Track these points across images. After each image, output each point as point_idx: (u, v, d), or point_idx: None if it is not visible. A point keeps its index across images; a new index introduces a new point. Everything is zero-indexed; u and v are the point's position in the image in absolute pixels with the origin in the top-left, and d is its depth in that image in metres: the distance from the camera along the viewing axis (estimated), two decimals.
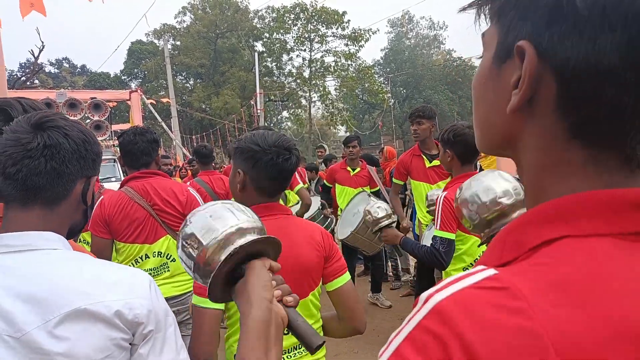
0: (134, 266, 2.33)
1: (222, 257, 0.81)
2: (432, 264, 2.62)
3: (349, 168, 4.97)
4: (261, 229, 0.89)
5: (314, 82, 30.68)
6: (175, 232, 2.40)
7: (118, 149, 2.63)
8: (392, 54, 38.37)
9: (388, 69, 37.81)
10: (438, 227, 2.31)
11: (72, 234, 0.98)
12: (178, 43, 33.51)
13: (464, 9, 0.50)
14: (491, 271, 0.39)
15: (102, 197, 2.37)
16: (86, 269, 0.89)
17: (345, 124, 31.06)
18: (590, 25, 0.37)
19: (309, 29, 30.24)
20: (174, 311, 2.38)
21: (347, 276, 1.51)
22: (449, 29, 43.00)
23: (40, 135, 0.87)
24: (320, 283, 1.50)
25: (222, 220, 0.84)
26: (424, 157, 3.83)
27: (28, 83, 28.00)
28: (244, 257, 0.84)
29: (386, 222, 2.48)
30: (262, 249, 0.87)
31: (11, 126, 0.88)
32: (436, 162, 3.66)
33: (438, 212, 2.23)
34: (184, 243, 0.85)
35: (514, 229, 0.45)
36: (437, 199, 2.29)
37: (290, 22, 30.60)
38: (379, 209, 2.50)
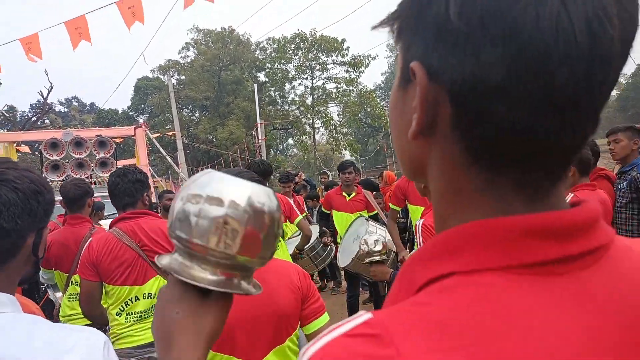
0: (123, 309, 2.32)
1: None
2: None
3: (344, 193, 4.98)
4: None
5: (316, 108, 31.02)
6: (164, 272, 2.40)
7: None
8: (392, 77, 38.76)
9: (389, 92, 38.14)
10: None
11: (21, 284, 0.96)
12: (183, 77, 34.21)
13: (375, 27, 0.47)
14: (367, 315, 0.37)
15: (91, 239, 2.38)
16: (37, 335, 0.83)
17: (349, 148, 31.22)
18: (472, 40, 0.35)
19: (309, 57, 30.78)
20: None
21: (325, 317, 1.49)
22: None
23: None
24: (298, 326, 1.48)
25: None
26: None
27: (39, 123, 28.65)
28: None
29: (377, 258, 2.46)
30: None
31: None
32: None
33: (419, 241, 2.21)
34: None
35: (407, 266, 0.43)
36: (415, 227, 2.27)
37: (291, 51, 31.18)
38: (377, 242, 2.49)
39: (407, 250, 4.44)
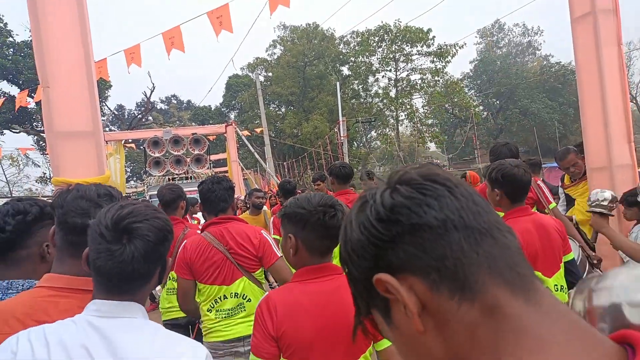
0: (213, 306, 2.55)
1: None
2: None
3: None
4: None
5: (400, 101, 30.50)
6: (250, 273, 2.59)
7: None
8: (482, 66, 36.86)
9: (479, 81, 36.35)
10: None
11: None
12: (270, 74, 35.48)
13: None
14: None
15: (185, 241, 2.64)
16: (157, 339, 1.06)
17: (434, 140, 30.33)
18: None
19: (393, 49, 30.28)
20: (247, 349, 2.54)
21: None
22: (545, 34, 40.34)
23: (129, 246, 1.03)
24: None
25: None
26: None
27: (143, 120, 31.50)
28: None
29: (604, 211, 2.74)
30: None
31: (97, 229, 1.04)
32: None
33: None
34: None
35: None
36: None
37: (374, 44, 30.89)
38: (609, 195, 2.70)
39: None
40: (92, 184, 1.34)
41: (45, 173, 27.00)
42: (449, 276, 0.46)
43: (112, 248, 1.02)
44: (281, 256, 2.63)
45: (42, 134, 22.94)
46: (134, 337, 1.03)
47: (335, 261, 3.44)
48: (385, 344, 1.52)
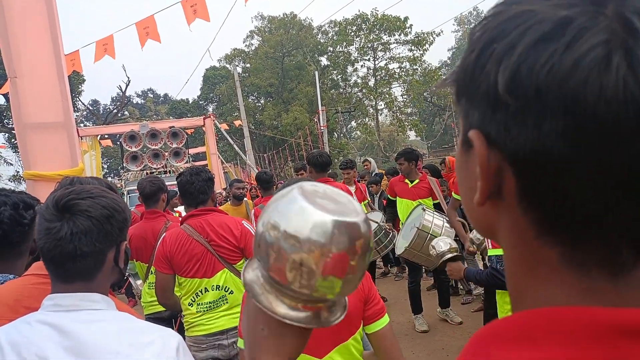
0: (194, 300, 2.51)
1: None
2: (496, 286, 2.55)
3: (406, 180, 4.94)
4: None
5: (379, 90, 30.56)
6: (231, 265, 2.55)
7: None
8: (460, 53, 37.15)
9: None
10: (490, 245, 2.25)
11: (112, 287, 1.14)
12: (248, 65, 35.07)
13: (438, 86, 0.49)
14: None
15: (164, 235, 2.58)
16: (125, 329, 1.02)
17: (414, 129, 30.55)
18: (530, 113, 0.33)
19: (371, 38, 30.26)
20: (231, 342, 2.51)
21: (385, 319, 1.54)
22: None
23: (67, 223, 0.99)
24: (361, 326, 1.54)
25: None
26: None
27: (119, 115, 30.85)
28: None
29: (449, 256, 2.48)
30: None
31: (41, 211, 1.02)
32: None
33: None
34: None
35: (480, 342, 0.40)
36: None
37: (352, 33, 30.81)
38: (443, 242, 2.51)
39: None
40: (91, 178, 1.37)
41: (19, 171, 26.26)
42: None
43: (50, 226, 0.98)
44: None
45: (13, 131, 22.26)
46: (97, 331, 0.98)
47: None
48: (376, 326, 1.51)
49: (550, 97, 0.32)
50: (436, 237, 3.31)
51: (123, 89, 27.18)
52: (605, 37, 0.31)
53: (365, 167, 8.75)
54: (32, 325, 0.97)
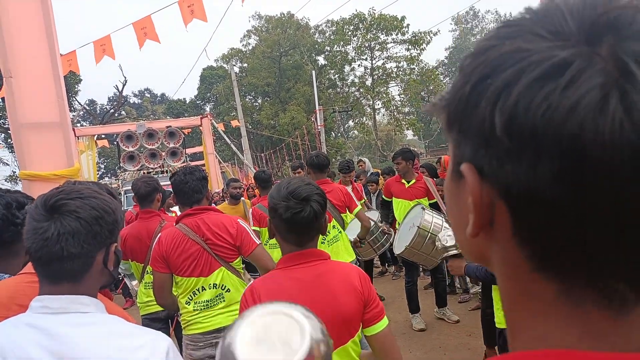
0: (192, 298, 2.51)
1: None
2: (494, 282, 2.56)
3: (403, 180, 4.95)
4: None
5: (376, 89, 30.57)
6: (228, 263, 2.55)
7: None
8: (457, 53, 37.28)
9: (454, 68, 36.73)
10: None
11: (101, 289, 1.12)
12: (245, 65, 35.03)
13: (426, 111, 0.47)
14: None
15: (160, 234, 2.58)
16: (115, 332, 1.00)
17: (411, 128, 30.58)
18: (524, 153, 0.33)
19: (368, 37, 30.24)
20: None
21: (384, 322, 1.54)
22: None
23: (54, 223, 0.97)
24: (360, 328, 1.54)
25: None
26: None
27: (116, 115, 30.78)
28: None
29: (454, 252, 2.48)
30: None
31: (30, 210, 1.01)
32: None
33: None
34: None
35: None
36: None
37: (349, 33, 30.80)
38: (450, 237, 2.51)
39: None
40: (89, 182, 1.33)
41: (15, 171, 26.16)
42: None
43: (37, 226, 0.97)
44: (260, 244, 2.60)
45: (9, 131, 22.17)
46: (86, 334, 0.97)
47: (323, 246, 3.45)
48: (376, 329, 1.51)
49: (546, 139, 0.31)
50: (437, 235, 3.34)
51: (120, 89, 27.15)
52: (601, 80, 0.30)
53: (360, 167, 8.92)
54: (20, 328, 0.96)
